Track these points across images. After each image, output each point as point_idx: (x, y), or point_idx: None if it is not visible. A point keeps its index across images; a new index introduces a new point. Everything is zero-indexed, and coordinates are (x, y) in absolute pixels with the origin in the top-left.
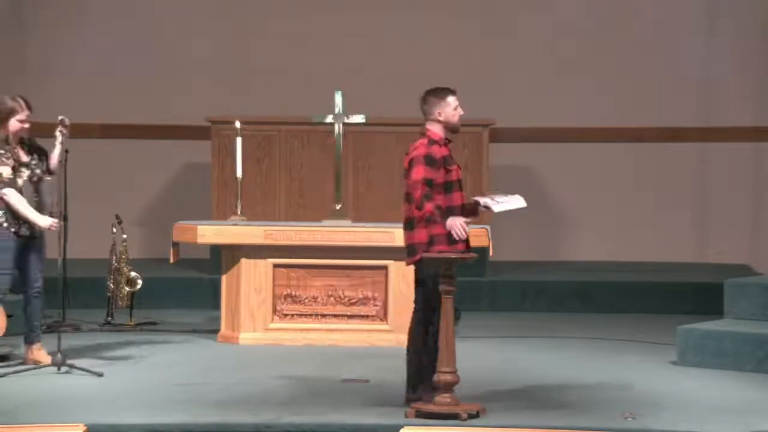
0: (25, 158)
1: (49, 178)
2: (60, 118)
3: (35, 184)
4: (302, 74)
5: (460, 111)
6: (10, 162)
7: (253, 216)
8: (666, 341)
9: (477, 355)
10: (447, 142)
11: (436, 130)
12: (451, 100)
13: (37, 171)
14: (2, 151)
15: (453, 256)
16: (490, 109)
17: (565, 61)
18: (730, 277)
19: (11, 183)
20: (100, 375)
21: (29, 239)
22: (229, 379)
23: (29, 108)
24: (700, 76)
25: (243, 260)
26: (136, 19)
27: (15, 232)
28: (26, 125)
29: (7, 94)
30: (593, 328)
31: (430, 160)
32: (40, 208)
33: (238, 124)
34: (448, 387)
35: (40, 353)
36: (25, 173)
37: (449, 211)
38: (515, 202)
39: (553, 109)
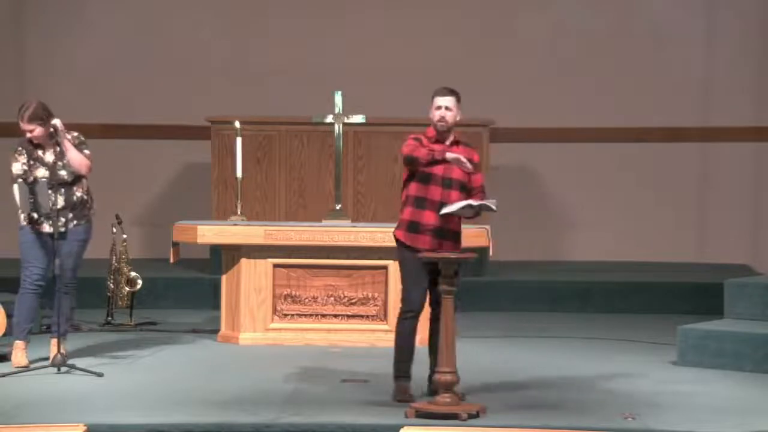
0: (49, 158)
1: (44, 180)
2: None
3: (30, 185)
4: (302, 74)
5: (438, 112)
6: (22, 158)
7: (253, 216)
8: (666, 341)
9: (477, 355)
10: (435, 139)
11: (431, 127)
12: (435, 100)
13: (61, 173)
14: (20, 148)
15: (453, 256)
16: (490, 109)
17: (565, 61)
18: (730, 277)
19: (21, 178)
20: (100, 375)
21: (52, 236)
22: (229, 379)
23: (29, 120)
24: (700, 76)
25: (243, 260)
26: (136, 19)
27: (32, 227)
28: (29, 135)
29: (34, 98)
30: (593, 328)
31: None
32: (36, 208)
33: (238, 124)
34: (448, 387)
35: (53, 349)
36: (40, 171)
37: (420, 201)
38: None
39: (553, 109)
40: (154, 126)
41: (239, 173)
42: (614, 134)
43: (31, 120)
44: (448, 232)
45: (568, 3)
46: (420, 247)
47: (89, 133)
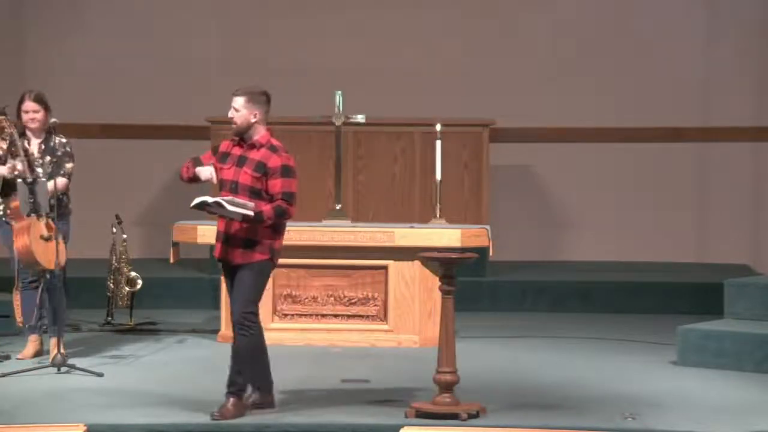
0: (34, 153)
1: (43, 179)
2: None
3: (30, 185)
4: (302, 74)
5: (229, 113)
6: (3, 143)
7: None
8: (666, 341)
9: (477, 355)
10: (238, 141)
11: None
12: None
13: (38, 170)
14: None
15: (453, 256)
16: (490, 109)
17: (565, 61)
18: (730, 277)
19: (20, 178)
20: (100, 375)
21: None
22: None
23: (35, 100)
24: (700, 76)
25: None
26: (136, 19)
27: (8, 222)
28: (29, 116)
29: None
30: (593, 328)
31: (214, 149)
32: (35, 209)
33: None
34: (448, 387)
35: (51, 347)
36: (18, 164)
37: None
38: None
39: (553, 109)
40: (154, 126)
41: None
42: (614, 134)
43: (36, 100)
44: (233, 238)
45: (568, 3)
46: (216, 255)
47: (89, 133)
